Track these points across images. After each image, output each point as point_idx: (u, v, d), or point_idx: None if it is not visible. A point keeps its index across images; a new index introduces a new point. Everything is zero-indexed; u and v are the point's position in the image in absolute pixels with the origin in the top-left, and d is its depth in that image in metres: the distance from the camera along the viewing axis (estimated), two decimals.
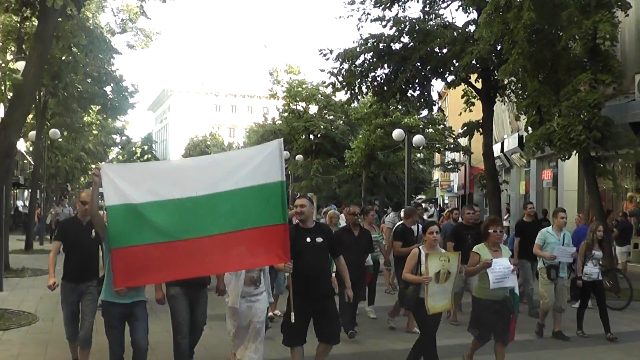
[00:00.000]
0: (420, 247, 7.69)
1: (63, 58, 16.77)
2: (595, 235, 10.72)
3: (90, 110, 30.65)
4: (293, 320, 6.79)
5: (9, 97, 12.36)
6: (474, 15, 20.91)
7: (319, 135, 42.23)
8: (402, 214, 12.65)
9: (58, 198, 34.83)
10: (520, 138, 26.45)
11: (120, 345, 6.73)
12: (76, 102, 23.89)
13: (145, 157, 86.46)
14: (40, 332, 10.50)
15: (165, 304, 7.49)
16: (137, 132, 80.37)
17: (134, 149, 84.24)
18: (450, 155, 41.19)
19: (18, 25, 18.82)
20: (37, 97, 19.71)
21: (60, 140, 28.86)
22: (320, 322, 7.06)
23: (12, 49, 20.39)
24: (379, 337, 10.36)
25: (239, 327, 7.34)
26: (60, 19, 12.73)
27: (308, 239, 7.04)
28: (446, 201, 52.62)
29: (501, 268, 7.42)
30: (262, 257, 6.58)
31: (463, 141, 31.52)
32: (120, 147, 66.17)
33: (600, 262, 10.97)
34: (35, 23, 17.61)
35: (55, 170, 32.77)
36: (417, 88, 22.08)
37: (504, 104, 25.60)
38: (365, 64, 21.31)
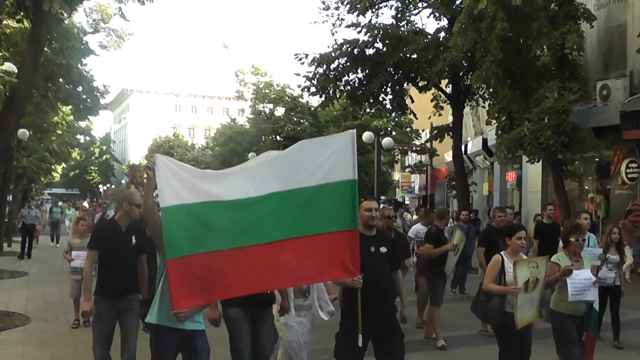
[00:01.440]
0: (502, 253, 6.74)
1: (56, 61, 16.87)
2: (610, 238, 10.02)
3: (59, 111, 30.57)
4: (360, 344, 5.71)
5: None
6: (444, 22, 21.66)
7: (285, 137, 42.61)
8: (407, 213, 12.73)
9: (21, 199, 34.43)
10: (485, 141, 27.34)
11: None
12: (45, 102, 23.78)
13: (104, 157, 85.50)
14: (37, 332, 10.63)
15: (221, 328, 6.15)
16: (94, 131, 79.31)
17: (92, 149, 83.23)
18: (414, 157, 41.95)
19: None
20: None
21: (26, 140, 28.63)
22: (383, 344, 6.01)
23: None
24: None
25: (291, 346, 6.61)
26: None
27: (372, 249, 6.04)
28: (407, 202, 53.48)
29: (582, 279, 6.75)
30: (329, 270, 5.55)
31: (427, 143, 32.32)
32: (84, 147, 65.46)
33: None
34: (12, 24, 17.73)
35: (23, 171, 32.52)
36: (390, 92, 22.73)
37: (471, 108, 26.40)
38: (340, 68, 21.83)
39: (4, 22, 18.33)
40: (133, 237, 6.77)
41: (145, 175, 12.22)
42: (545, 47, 15.64)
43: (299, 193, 5.31)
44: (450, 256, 10.27)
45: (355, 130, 5.96)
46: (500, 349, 6.77)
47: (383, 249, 6.11)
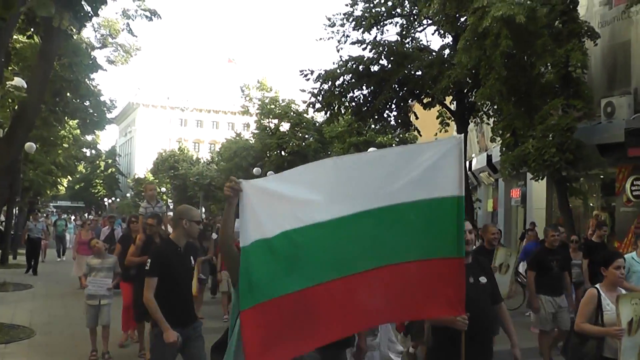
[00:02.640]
0: (598, 286, 5.81)
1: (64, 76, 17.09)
2: None
3: (65, 124, 30.85)
4: None
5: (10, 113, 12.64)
6: (449, 39, 21.82)
7: (290, 152, 42.79)
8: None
9: (27, 212, 34.58)
10: (489, 157, 27.40)
11: None
12: (53, 117, 23.97)
13: (110, 170, 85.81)
14: (41, 345, 10.72)
15: None
16: (100, 145, 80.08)
17: (97, 162, 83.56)
18: None
19: None
20: None
21: (33, 153, 28.85)
22: None
23: None
24: None
25: None
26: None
27: (471, 279, 5.03)
28: None
29: None
30: (429, 304, 4.52)
31: None
32: (90, 161, 65.90)
33: None
34: (22, 39, 17.96)
35: (29, 183, 32.72)
36: (394, 109, 22.85)
37: (475, 125, 26.49)
38: (345, 85, 21.95)
39: (15, 37, 18.61)
40: (191, 258, 6.30)
41: (149, 190, 11.71)
42: (549, 64, 15.70)
43: (392, 211, 4.29)
44: (499, 278, 9.03)
45: (462, 135, 4.73)
46: None
47: (483, 279, 5.14)
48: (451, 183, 4.39)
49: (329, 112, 22.80)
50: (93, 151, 68.48)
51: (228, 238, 4.31)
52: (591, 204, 21.73)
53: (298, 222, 4.05)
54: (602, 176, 20.38)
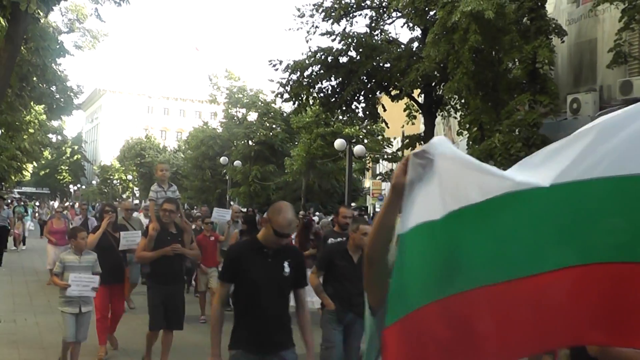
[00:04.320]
0: None
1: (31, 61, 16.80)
2: None
3: (31, 109, 30.38)
4: None
5: None
6: (417, 32, 21.97)
7: (257, 142, 42.74)
8: None
9: None
10: None
11: None
12: (18, 101, 23.59)
13: (75, 157, 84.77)
14: (6, 334, 10.54)
15: None
16: (66, 131, 78.99)
17: (63, 148, 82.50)
18: (385, 165, 42.32)
19: None
20: None
21: None
22: None
23: None
24: None
25: None
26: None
27: None
28: (377, 209, 53.60)
29: None
30: (624, 327, 2.39)
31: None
32: (55, 147, 65.10)
33: None
34: None
35: None
36: (362, 100, 22.98)
37: (442, 118, 26.74)
38: (313, 76, 22.01)
39: None
40: (286, 264, 4.78)
41: (161, 171, 9.86)
42: (516, 60, 15.94)
43: (583, 188, 2.46)
44: None
45: None
46: None
47: None
48: None
49: (297, 103, 22.86)
50: (59, 137, 67.81)
51: (383, 243, 2.64)
52: None
53: (476, 196, 2.45)
54: None
